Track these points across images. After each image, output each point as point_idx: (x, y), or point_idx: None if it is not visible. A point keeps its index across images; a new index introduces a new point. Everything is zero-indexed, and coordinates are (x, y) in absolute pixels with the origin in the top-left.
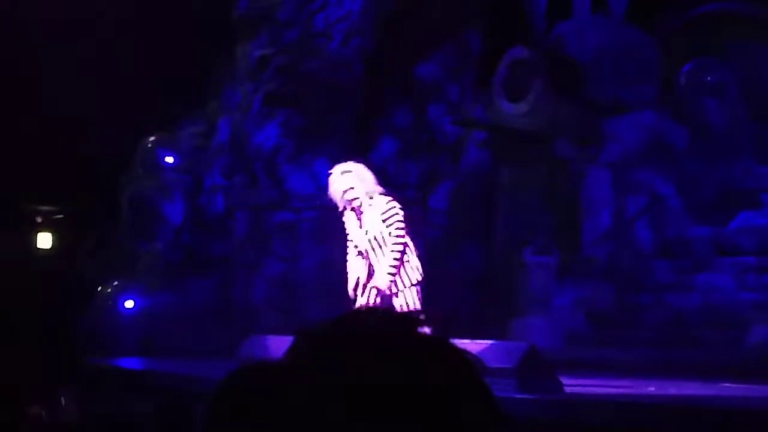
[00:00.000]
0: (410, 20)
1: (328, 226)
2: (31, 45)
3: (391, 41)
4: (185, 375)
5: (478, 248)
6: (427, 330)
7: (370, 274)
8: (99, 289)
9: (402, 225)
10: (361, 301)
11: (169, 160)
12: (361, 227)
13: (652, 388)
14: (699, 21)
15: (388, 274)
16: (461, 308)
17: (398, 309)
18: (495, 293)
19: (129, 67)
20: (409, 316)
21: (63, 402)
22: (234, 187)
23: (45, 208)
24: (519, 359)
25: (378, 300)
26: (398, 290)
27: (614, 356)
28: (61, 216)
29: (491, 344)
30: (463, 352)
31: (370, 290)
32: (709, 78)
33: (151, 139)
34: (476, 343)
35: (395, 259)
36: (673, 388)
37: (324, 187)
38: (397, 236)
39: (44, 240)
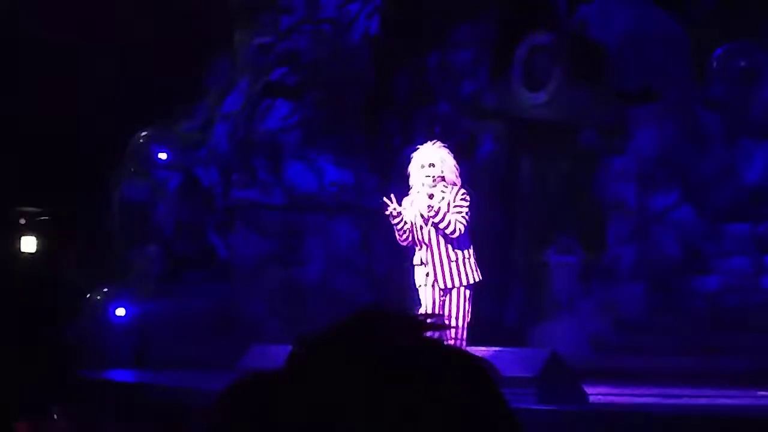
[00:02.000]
0: (422, 4)
1: (335, 228)
2: (18, 42)
3: (401, 27)
4: (181, 388)
5: (495, 248)
6: (438, 336)
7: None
8: (88, 296)
9: (466, 218)
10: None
11: (163, 156)
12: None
13: (684, 398)
14: (732, 2)
15: (460, 216)
16: (477, 312)
17: (449, 308)
18: (514, 296)
19: (119, 60)
20: (419, 320)
21: (53, 417)
22: (233, 185)
23: (29, 209)
24: (540, 367)
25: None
26: (453, 287)
27: (642, 364)
28: (47, 217)
29: (510, 351)
30: (477, 360)
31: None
32: (742, 63)
33: (144, 133)
34: (494, 350)
35: (463, 208)
36: (706, 398)
37: (331, 183)
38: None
39: (28, 244)
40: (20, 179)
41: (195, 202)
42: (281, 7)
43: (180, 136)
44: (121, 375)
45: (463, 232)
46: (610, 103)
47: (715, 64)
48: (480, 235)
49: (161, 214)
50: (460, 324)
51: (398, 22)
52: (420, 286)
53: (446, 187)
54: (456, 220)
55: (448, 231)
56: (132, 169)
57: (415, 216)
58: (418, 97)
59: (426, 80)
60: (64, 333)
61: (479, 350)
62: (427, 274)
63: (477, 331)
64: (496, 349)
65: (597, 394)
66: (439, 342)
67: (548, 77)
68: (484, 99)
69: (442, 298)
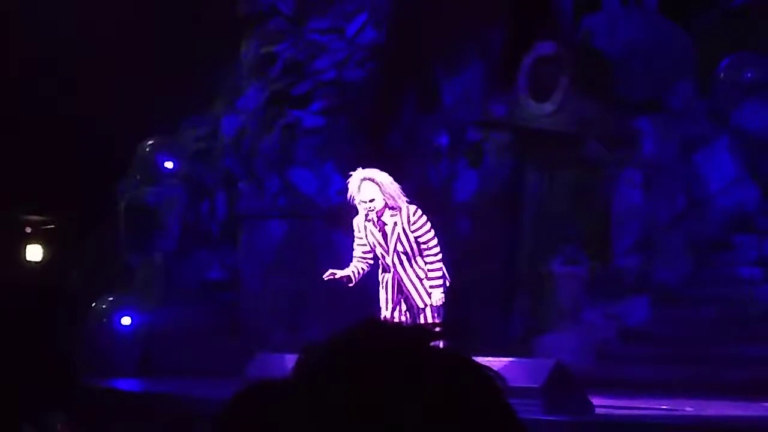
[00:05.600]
0: (428, 13)
1: (341, 237)
2: (24, 45)
3: (406, 36)
4: (186, 396)
5: (501, 258)
6: (442, 345)
7: (399, 287)
8: (93, 305)
9: (433, 235)
10: (389, 316)
11: (169, 165)
12: (385, 239)
13: (690, 409)
14: (738, 13)
15: (438, 287)
16: (483, 322)
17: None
18: (519, 306)
19: (126, 67)
20: (424, 330)
21: (57, 427)
22: (239, 193)
23: (35, 217)
24: (545, 378)
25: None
26: (425, 305)
27: (649, 374)
28: (52, 226)
29: (515, 361)
30: (483, 369)
31: (414, 308)
32: (748, 75)
33: (150, 142)
34: (499, 361)
35: (438, 269)
36: (713, 409)
37: (337, 192)
38: (431, 247)
39: (34, 252)
40: (26, 188)
41: (201, 210)
42: (288, 16)
43: (186, 145)
44: (126, 384)
45: (439, 251)
46: (615, 114)
47: (721, 74)
48: (485, 245)
49: (167, 222)
50: None
51: (405, 32)
52: (382, 310)
53: (393, 210)
54: (429, 246)
55: (432, 250)
56: (138, 178)
57: (375, 245)
58: (424, 106)
59: (432, 90)
60: (69, 342)
61: (484, 360)
62: (387, 300)
63: (482, 341)
64: (502, 359)
65: (602, 405)
66: (443, 351)
67: (554, 87)
68: (490, 109)
69: (416, 317)
